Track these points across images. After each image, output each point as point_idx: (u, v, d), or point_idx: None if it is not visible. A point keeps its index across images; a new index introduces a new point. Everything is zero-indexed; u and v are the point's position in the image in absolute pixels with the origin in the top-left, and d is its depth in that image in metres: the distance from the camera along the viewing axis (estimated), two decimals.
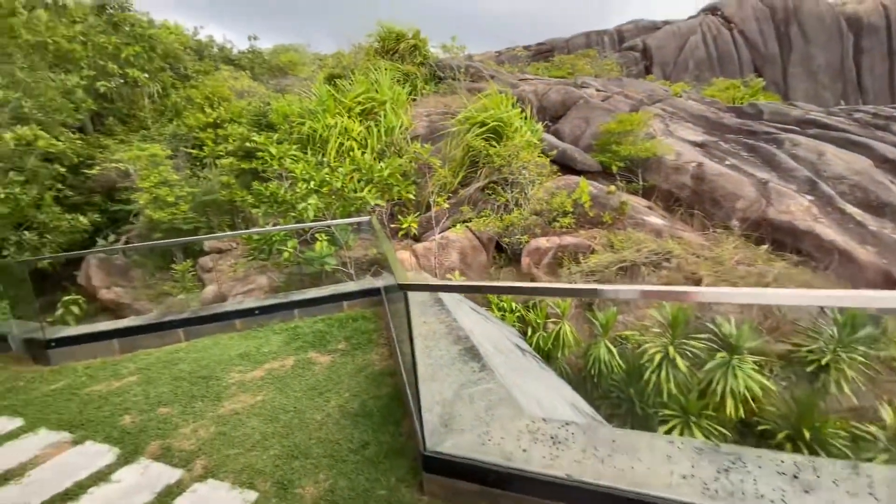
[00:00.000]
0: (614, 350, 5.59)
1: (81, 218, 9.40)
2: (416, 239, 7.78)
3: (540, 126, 9.44)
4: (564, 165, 9.83)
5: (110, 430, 2.98)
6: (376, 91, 10.24)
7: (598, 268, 6.97)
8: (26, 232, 8.65)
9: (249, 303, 5.14)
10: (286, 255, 5.49)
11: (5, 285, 5.16)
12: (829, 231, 7.29)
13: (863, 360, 5.32)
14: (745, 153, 9.74)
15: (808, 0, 28.49)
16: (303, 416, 2.92)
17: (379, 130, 8.88)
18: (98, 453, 2.76)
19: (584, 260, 7.14)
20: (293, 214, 5.71)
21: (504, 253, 7.65)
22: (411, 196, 6.42)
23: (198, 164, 11.63)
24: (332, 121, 9.30)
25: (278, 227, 5.39)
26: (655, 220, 8.33)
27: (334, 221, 5.65)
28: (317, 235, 5.68)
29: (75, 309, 5.91)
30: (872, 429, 4.98)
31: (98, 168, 9.84)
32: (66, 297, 5.95)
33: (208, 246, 8.82)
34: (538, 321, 6.24)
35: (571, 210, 7.48)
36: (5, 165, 8.25)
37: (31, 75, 8.66)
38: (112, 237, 9.85)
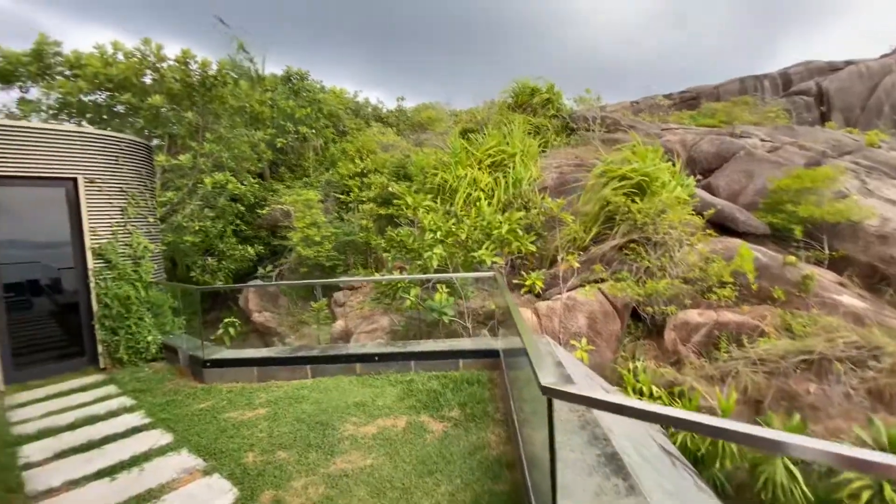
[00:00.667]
0: (798, 474, 4.22)
1: (250, 249, 11.10)
2: (539, 296, 7.28)
3: (691, 180, 8.35)
4: (721, 226, 8.47)
5: (234, 467, 3.06)
6: (507, 143, 10.34)
7: (770, 356, 5.57)
8: (209, 258, 10.47)
9: (371, 347, 5.21)
10: (408, 303, 5.53)
11: (185, 304, 6.11)
12: None
13: None
14: None
15: None
16: (410, 497, 2.62)
17: (507, 182, 8.82)
18: (221, 491, 2.83)
19: (749, 344, 5.81)
20: (419, 263, 5.79)
21: (643, 323, 6.67)
22: (532, 249, 6.03)
23: (344, 207, 13.03)
24: (463, 172, 9.57)
25: (403, 275, 5.49)
26: (852, 300, 6.51)
27: (457, 275, 5.55)
28: (437, 285, 5.63)
29: (232, 330, 6.75)
30: None
31: (267, 208, 11.63)
32: (227, 319, 6.86)
33: (343, 282, 9.54)
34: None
35: (731, 281, 6.25)
36: (203, 204, 10.22)
37: (231, 132, 10.77)
38: (269, 267, 11.40)
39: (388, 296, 5.88)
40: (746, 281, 6.49)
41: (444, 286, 5.71)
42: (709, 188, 9.86)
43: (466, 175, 9.47)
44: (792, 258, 6.47)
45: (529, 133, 12.85)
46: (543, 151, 12.73)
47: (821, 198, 7.64)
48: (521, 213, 7.21)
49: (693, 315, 6.22)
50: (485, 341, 5.03)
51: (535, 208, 8.02)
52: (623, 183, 7.11)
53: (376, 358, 4.90)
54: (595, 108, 16.64)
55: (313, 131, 14.67)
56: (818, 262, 7.54)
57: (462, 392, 4.06)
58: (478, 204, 8.34)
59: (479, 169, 9.76)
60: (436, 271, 5.90)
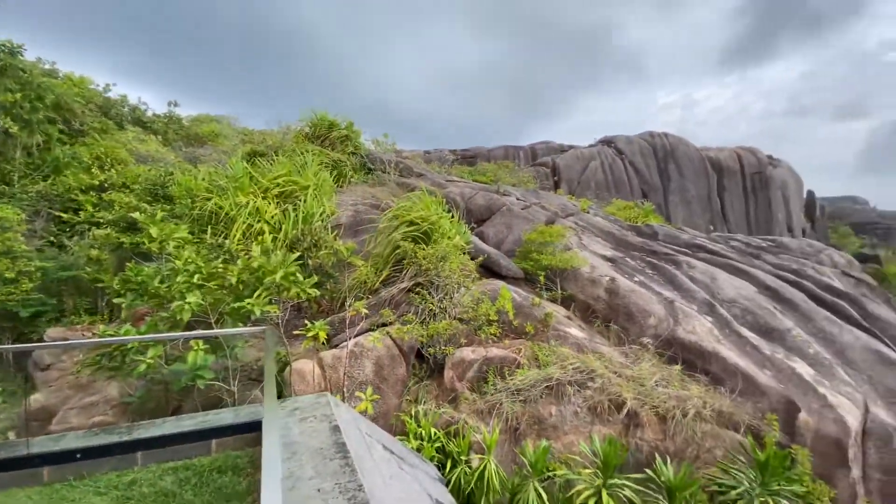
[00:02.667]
0: (545, 496, 4.84)
1: None
2: (328, 343, 6.75)
3: (466, 229, 9.39)
4: (490, 270, 9.74)
5: None
6: (300, 174, 9.69)
7: (524, 385, 6.44)
8: None
9: (71, 439, 3.68)
10: (142, 367, 4.16)
11: None
12: (731, 354, 7.66)
13: (788, 502, 5.16)
14: (650, 271, 10.49)
15: (680, 144, 35.03)
16: None
17: (297, 215, 8.14)
18: None
19: (510, 376, 6.60)
20: (165, 314, 4.51)
21: (426, 363, 6.88)
22: (314, 294, 5.57)
23: (68, 230, 9.72)
24: (244, 199, 8.41)
25: (133, 336, 4.13)
26: (576, 332, 8.26)
27: (211, 332, 4.55)
28: (191, 342, 4.48)
29: None
30: None
31: None
32: None
33: (48, 336, 6.89)
34: (460, 453, 5.36)
35: (496, 319, 7.09)
36: None
37: None
38: None
39: (113, 359, 4.35)
40: (508, 318, 7.50)
41: (201, 343, 4.59)
42: (481, 236, 11.35)
43: (248, 204, 8.34)
44: (537, 299, 7.84)
45: (326, 166, 12.46)
46: (340, 187, 12.49)
47: (554, 249, 9.63)
48: (300, 254, 6.64)
49: (467, 352, 6.75)
50: (250, 410, 4.19)
51: (327, 247, 7.57)
52: (411, 228, 7.45)
53: (78, 455, 3.47)
54: (391, 151, 17.49)
55: (23, 125, 10.71)
56: (554, 301, 9.39)
57: (208, 487, 3.17)
58: (260, 238, 7.37)
59: (265, 199, 8.76)
60: (190, 324, 4.72)
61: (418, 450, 5.18)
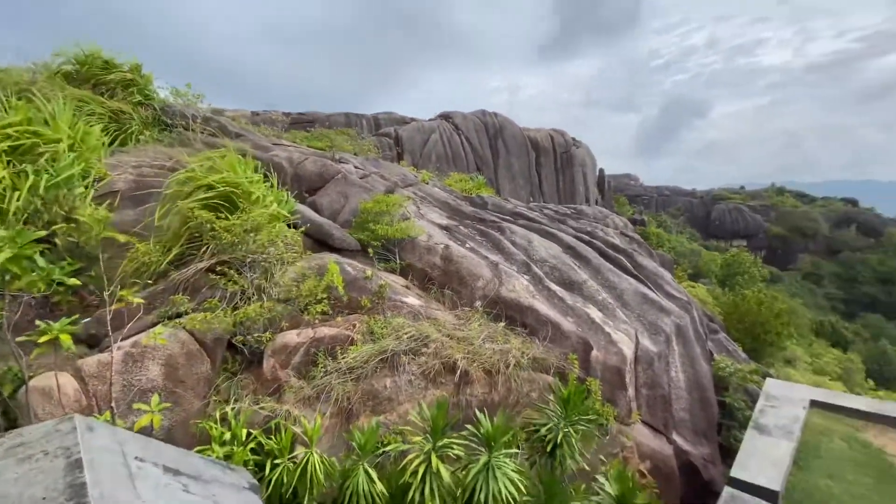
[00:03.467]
0: (375, 476, 4.61)
1: None
2: (94, 346, 5.18)
3: (290, 197, 8.36)
4: (323, 242, 8.96)
5: None
6: (47, 123, 7.15)
7: (357, 362, 6.08)
8: None
9: None
10: None
11: None
12: (543, 306, 8.64)
13: (585, 428, 6.02)
14: (479, 237, 11.15)
15: (508, 124, 38.58)
16: None
17: (38, 178, 5.97)
18: None
19: (342, 355, 6.14)
20: None
21: (241, 356, 5.90)
22: (73, 283, 4.13)
23: None
24: None
25: None
26: (413, 301, 8.23)
27: None
28: None
29: None
30: (602, 498, 5.53)
31: None
32: None
33: None
34: (283, 450, 4.73)
35: (325, 296, 6.49)
36: None
37: None
38: None
39: None
40: (339, 294, 6.97)
41: None
42: (314, 206, 10.38)
43: None
44: (370, 271, 7.48)
45: (100, 119, 9.65)
46: (123, 146, 9.86)
47: (392, 219, 9.37)
48: (51, 232, 4.88)
49: (292, 336, 6.03)
50: None
51: (90, 223, 5.75)
52: (211, 194, 6.15)
53: None
54: (202, 107, 14.63)
55: None
56: (393, 271, 9.20)
57: None
58: None
59: None
60: None
61: (226, 457, 4.36)
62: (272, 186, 8.07)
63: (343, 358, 6.02)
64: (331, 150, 14.82)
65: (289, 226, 7.87)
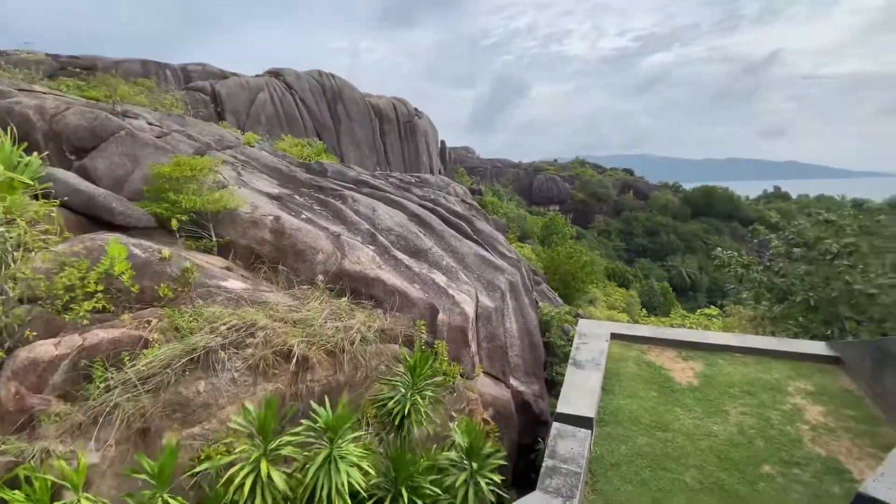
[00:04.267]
0: None
1: None
2: None
3: (31, 159, 6.03)
4: (97, 219, 6.83)
5: None
6: None
7: (154, 368, 4.78)
8: None
9: None
10: None
11: None
12: (390, 276, 8.32)
13: (432, 393, 5.98)
14: (318, 207, 10.16)
15: (346, 87, 36.43)
16: None
17: None
18: None
19: (131, 362, 4.75)
20: None
21: None
22: None
23: None
24: None
25: None
26: (235, 283, 6.98)
27: None
28: None
29: None
30: (452, 454, 5.59)
31: None
32: None
33: None
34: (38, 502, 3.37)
35: (99, 289, 4.90)
36: None
37: None
38: None
39: None
40: (124, 284, 5.37)
41: None
42: (84, 172, 7.87)
43: None
44: (167, 251, 5.97)
45: None
46: None
47: (201, 187, 7.71)
48: None
49: (45, 348, 4.38)
50: None
51: None
52: None
53: None
54: None
55: None
56: (208, 251, 7.65)
57: None
58: None
59: None
60: None
61: None
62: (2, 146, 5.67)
63: (133, 366, 4.66)
64: (110, 101, 11.51)
65: (36, 198, 5.71)
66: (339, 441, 4.34)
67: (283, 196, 10.02)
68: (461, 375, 7.97)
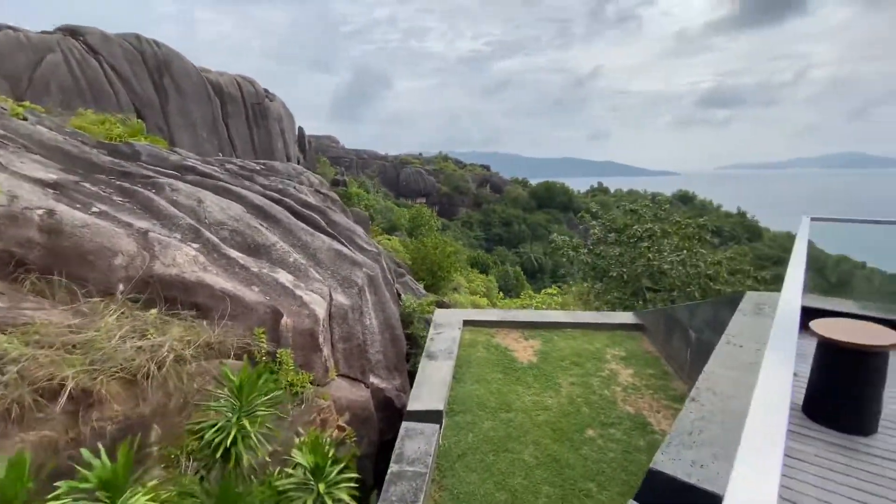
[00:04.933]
0: None
1: None
2: None
3: None
4: None
5: None
6: None
7: None
8: None
9: None
10: None
11: None
12: (218, 279, 7.12)
13: (266, 412, 5.21)
14: (119, 198, 8.20)
15: (177, 59, 31.00)
16: None
17: None
18: None
19: None
20: None
21: None
22: None
23: None
24: None
25: None
26: None
27: None
28: None
29: None
30: (296, 476, 4.93)
31: None
32: None
33: None
34: None
35: None
36: None
37: None
38: None
39: None
40: None
41: None
42: None
43: None
44: None
45: None
46: None
47: None
48: None
49: None
50: None
51: None
52: None
53: None
54: None
55: None
56: None
57: None
58: None
59: None
60: None
61: None
62: None
63: None
64: None
65: None
66: (124, 497, 3.37)
67: (64, 184, 7.79)
68: (311, 383, 7.29)
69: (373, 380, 9.70)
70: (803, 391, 3.08)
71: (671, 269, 10.86)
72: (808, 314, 4.21)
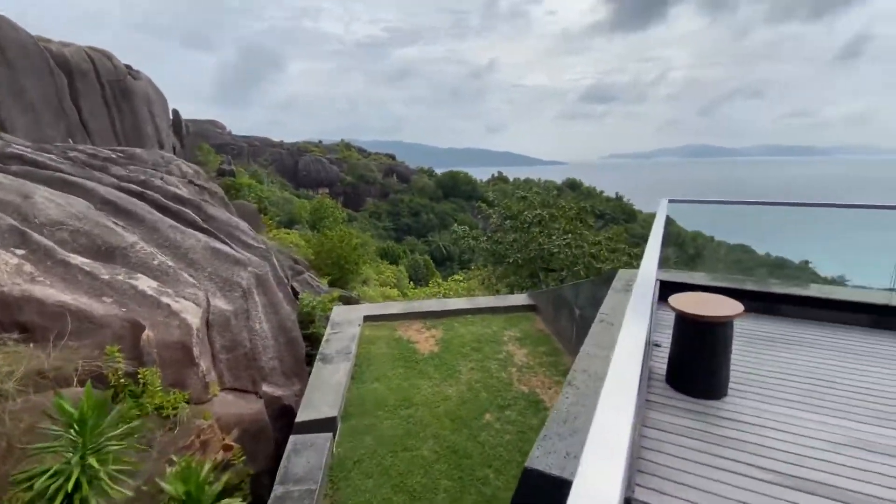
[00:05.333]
0: None
1: None
2: None
3: None
4: None
5: None
6: None
7: None
8: None
9: None
10: None
11: None
12: (53, 291, 5.85)
13: (119, 446, 4.39)
14: None
15: (4, 24, 25.04)
16: None
17: None
18: None
19: None
20: None
21: None
22: None
23: None
24: None
25: None
26: None
27: None
28: None
29: None
30: None
31: None
32: None
33: None
34: None
35: None
36: None
37: None
38: None
39: None
40: None
41: None
42: None
43: None
44: None
45: None
46: None
47: None
48: None
49: None
50: None
51: None
52: None
53: None
54: None
55: None
56: None
57: None
58: None
59: None
60: None
61: None
62: None
63: None
64: None
65: None
66: None
67: None
68: (188, 402, 6.39)
69: (267, 389, 8.90)
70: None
71: (559, 251, 11.66)
72: (671, 289, 4.70)
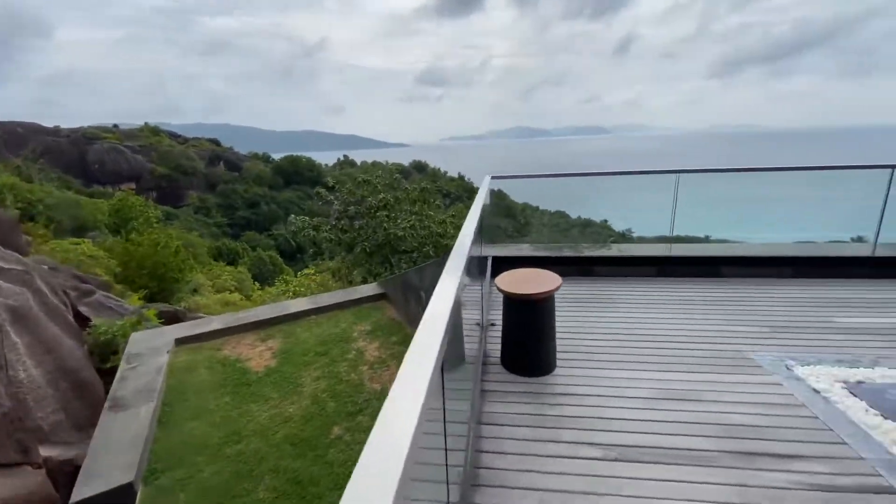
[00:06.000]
0: None
1: None
2: None
3: None
4: None
5: None
6: None
7: None
8: None
9: None
10: None
11: None
12: None
13: None
14: None
15: None
16: None
17: None
18: None
19: None
20: None
21: None
22: None
23: None
24: None
25: None
26: None
27: None
28: None
29: None
30: None
31: None
32: None
33: None
34: None
35: None
36: None
37: None
38: None
39: None
40: None
41: None
42: None
43: None
44: None
45: None
46: None
47: None
48: None
49: None
50: None
51: None
52: None
53: None
54: None
55: None
56: None
57: None
58: None
59: None
60: None
61: None
62: None
63: None
64: None
65: None
66: None
67: None
68: None
69: (50, 453, 6.67)
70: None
71: (404, 234, 11.52)
72: (503, 263, 4.80)
